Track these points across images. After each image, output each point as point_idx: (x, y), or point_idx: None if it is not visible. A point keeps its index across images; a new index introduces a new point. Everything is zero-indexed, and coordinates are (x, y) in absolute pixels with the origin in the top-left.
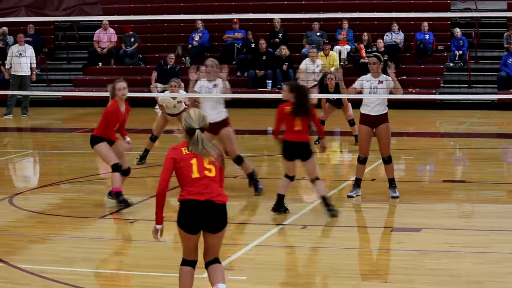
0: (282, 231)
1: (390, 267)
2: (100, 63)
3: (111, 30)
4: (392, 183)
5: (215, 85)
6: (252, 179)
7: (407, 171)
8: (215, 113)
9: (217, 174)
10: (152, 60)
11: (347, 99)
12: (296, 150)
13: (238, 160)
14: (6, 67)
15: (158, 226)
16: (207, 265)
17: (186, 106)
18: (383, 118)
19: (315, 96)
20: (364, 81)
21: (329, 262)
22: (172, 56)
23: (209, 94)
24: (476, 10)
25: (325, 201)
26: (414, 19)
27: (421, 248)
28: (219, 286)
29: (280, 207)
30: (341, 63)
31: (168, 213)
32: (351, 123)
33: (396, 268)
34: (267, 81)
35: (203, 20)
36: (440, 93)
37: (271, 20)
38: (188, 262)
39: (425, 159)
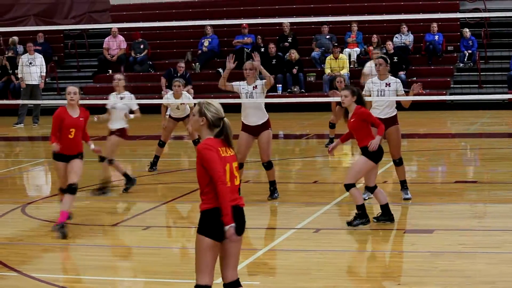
0: (295, 235)
1: (403, 269)
2: (110, 71)
3: (121, 37)
4: (404, 185)
5: (255, 87)
6: (272, 186)
7: (419, 172)
8: (257, 116)
9: (239, 180)
10: (161, 66)
11: None
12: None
13: (269, 165)
14: (19, 75)
15: (233, 225)
16: (230, 287)
17: (190, 109)
18: (392, 121)
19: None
20: (372, 84)
21: (342, 265)
22: (182, 64)
23: (242, 100)
24: (485, 10)
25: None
26: (423, 20)
27: (434, 249)
28: None
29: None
30: (351, 66)
31: (179, 220)
32: None
33: (409, 270)
34: (277, 85)
35: (212, 26)
36: (450, 94)
37: (280, 24)
38: None
39: (437, 160)
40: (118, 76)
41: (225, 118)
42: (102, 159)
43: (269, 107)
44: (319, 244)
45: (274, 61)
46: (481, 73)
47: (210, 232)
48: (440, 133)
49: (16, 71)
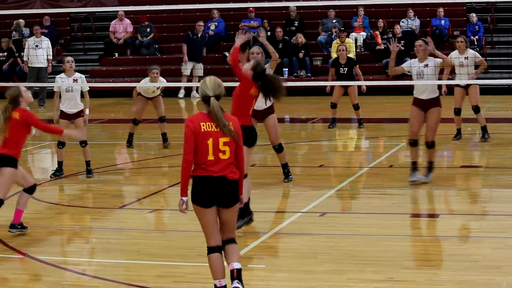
0: (300, 218)
1: (409, 253)
2: (117, 54)
3: (127, 21)
4: (430, 165)
5: None
6: (286, 168)
7: (425, 157)
8: (260, 100)
9: (231, 155)
10: (168, 50)
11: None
12: None
13: (279, 148)
14: (24, 59)
15: (184, 198)
16: (223, 244)
17: (161, 94)
18: (434, 102)
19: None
20: (412, 67)
21: (347, 249)
22: (201, 23)
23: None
24: None
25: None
26: (430, 5)
27: (440, 234)
28: (234, 265)
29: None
30: (357, 50)
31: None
32: (356, 107)
33: (415, 254)
34: (284, 69)
35: (219, 9)
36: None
37: (287, 8)
38: (214, 249)
39: (443, 144)
40: (70, 58)
41: (212, 98)
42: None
43: None
44: (324, 228)
45: (280, 45)
46: (487, 58)
47: (195, 199)
48: (446, 118)
49: (22, 53)
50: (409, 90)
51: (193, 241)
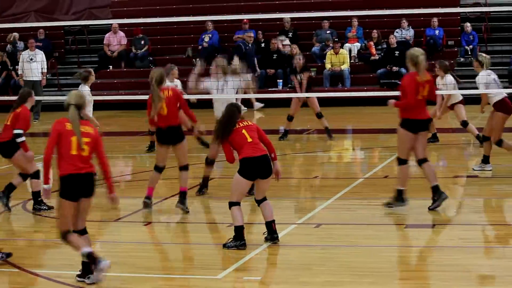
0: (296, 230)
1: (404, 264)
2: (111, 67)
3: (121, 33)
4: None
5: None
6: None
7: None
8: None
9: (90, 153)
10: (162, 62)
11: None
12: None
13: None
14: (19, 72)
15: (46, 186)
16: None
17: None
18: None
19: None
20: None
21: (343, 260)
22: (251, 34)
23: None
24: (485, 5)
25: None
26: (424, 15)
27: (435, 244)
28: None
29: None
30: (352, 61)
31: (180, 215)
32: (319, 115)
33: (410, 264)
34: (278, 80)
35: (213, 21)
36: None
37: (281, 19)
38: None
39: (437, 155)
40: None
41: (71, 105)
42: None
43: (270, 103)
44: (320, 239)
45: (275, 56)
46: None
47: (64, 195)
48: (441, 128)
49: (16, 67)
50: None
51: (189, 253)
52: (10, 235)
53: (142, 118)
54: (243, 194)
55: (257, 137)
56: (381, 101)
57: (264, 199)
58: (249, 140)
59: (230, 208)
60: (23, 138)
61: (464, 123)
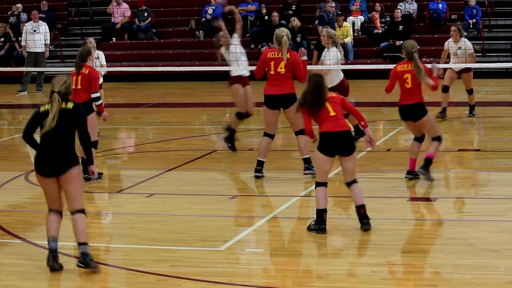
0: (298, 203)
1: (406, 237)
2: (114, 38)
3: (125, 5)
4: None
5: None
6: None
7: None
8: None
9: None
10: (165, 34)
11: None
12: None
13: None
14: (22, 44)
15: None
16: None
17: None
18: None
19: None
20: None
21: (345, 233)
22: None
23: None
24: None
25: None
26: None
27: (438, 217)
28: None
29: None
30: (355, 34)
31: (182, 187)
32: None
33: (413, 237)
34: None
35: None
36: (454, 63)
37: None
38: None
39: (440, 128)
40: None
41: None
42: None
43: None
44: None
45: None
46: (485, 42)
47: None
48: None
49: (19, 38)
50: None
51: (191, 225)
52: (13, 206)
53: (146, 90)
54: (325, 172)
55: (341, 110)
56: (384, 75)
57: (354, 181)
58: (332, 114)
59: (315, 188)
60: (101, 101)
61: (470, 91)
